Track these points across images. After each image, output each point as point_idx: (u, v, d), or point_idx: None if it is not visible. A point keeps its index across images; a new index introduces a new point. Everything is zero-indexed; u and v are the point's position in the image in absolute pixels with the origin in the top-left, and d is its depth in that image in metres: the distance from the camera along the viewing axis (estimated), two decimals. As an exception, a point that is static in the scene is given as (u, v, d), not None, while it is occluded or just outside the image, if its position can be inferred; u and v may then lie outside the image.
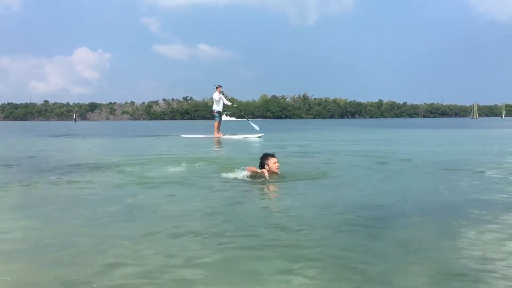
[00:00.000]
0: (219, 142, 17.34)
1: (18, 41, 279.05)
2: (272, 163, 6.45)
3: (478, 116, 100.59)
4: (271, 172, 6.42)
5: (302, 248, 3.32)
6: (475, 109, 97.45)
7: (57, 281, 2.76)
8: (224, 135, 20.32)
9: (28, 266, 3.09)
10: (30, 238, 3.81)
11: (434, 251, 3.24)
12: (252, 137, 19.74)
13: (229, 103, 21.40)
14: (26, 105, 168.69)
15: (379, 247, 3.34)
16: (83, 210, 4.84)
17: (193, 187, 6.22)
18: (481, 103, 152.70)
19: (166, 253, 3.26)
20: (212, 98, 20.84)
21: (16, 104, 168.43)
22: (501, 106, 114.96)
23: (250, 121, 23.00)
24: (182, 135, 21.79)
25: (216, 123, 20.47)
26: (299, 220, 4.15)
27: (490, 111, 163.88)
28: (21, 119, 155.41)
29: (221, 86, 20.47)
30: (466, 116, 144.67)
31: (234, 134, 21.18)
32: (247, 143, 16.89)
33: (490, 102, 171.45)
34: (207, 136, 20.10)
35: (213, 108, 20.76)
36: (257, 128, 20.94)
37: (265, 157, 6.56)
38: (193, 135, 21.57)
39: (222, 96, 20.49)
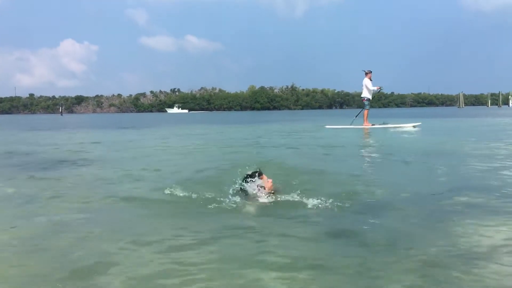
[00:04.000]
0: (370, 133, 15.87)
1: (2, 33, 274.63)
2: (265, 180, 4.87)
3: (464, 105, 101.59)
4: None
5: (287, 240, 3.30)
6: (461, 98, 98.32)
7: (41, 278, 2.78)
8: (373, 125, 18.36)
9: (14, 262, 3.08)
10: (17, 233, 3.77)
11: (419, 242, 3.22)
12: (408, 126, 17.97)
13: (376, 87, 18.77)
14: (11, 99, 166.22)
15: (364, 239, 3.32)
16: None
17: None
18: (467, 92, 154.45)
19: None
20: (362, 85, 18.56)
21: (1, 98, 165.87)
22: (487, 95, 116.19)
23: (356, 117, 19.99)
24: (327, 126, 20.04)
25: (365, 112, 18.59)
26: (284, 212, 4.11)
27: (476, 100, 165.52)
28: (6, 113, 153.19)
29: (371, 72, 18.44)
30: (452, 105, 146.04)
31: (385, 123, 19.17)
32: (401, 134, 15.08)
33: (475, 91, 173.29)
34: (356, 127, 18.36)
35: (362, 96, 18.67)
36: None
37: (253, 175, 4.82)
38: (339, 125, 19.86)
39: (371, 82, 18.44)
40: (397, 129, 17.15)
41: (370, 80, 18.30)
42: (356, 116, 19.19)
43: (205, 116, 62.31)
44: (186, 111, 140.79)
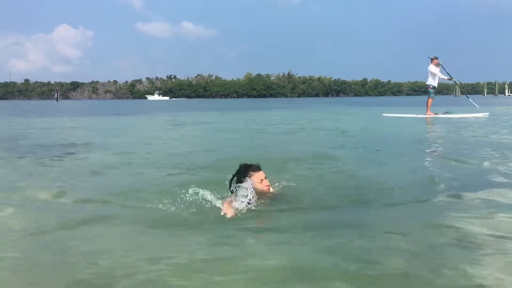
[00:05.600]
0: (432, 122, 15.06)
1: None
2: (257, 180, 3.96)
3: (460, 94, 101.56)
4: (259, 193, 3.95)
5: (284, 229, 3.31)
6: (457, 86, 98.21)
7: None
8: (436, 114, 17.58)
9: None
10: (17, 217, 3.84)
11: (415, 229, 3.26)
12: (475, 116, 16.81)
13: (446, 77, 17.91)
14: (5, 84, 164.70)
15: (361, 225, 3.36)
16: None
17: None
18: (463, 81, 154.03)
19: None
20: (427, 72, 17.63)
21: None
22: (483, 84, 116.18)
23: (469, 99, 19.33)
24: (384, 114, 19.17)
25: (429, 100, 17.67)
26: (284, 201, 4.09)
27: (472, 89, 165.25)
28: (1, 98, 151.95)
29: (437, 58, 17.45)
30: (448, 94, 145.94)
31: (448, 112, 17.94)
32: (467, 124, 13.76)
33: (472, 80, 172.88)
34: (416, 116, 17.68)
35: (427, 83, 17.73)
36: (477, 106, 18.30)
37: (245, 171, 3.99)
38: (397, 114, 18.97)
39: (438, 69, 17.56)
40: (465, 119, 16.06)
41: (438, 66, 17.55)
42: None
43: (194, 104, 60.62)
44: (166, 98, 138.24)
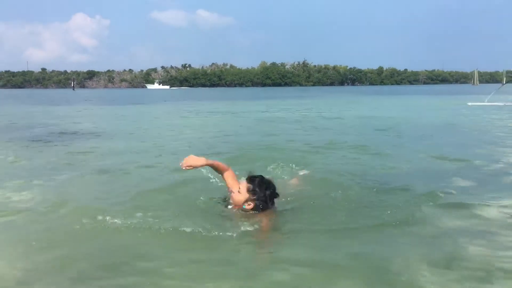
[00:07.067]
0: None
1: (13, 7, 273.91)
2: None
3: (479, 83, 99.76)
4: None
5: (298, 220, 3.33)
6: (476, 75, 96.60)
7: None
8: None
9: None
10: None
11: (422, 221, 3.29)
12: None
13: None
14: (23, 73, 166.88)
15: (369, 216, 3.39)
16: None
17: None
18: (482, 69, 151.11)
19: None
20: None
21: (14, 72, 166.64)
22: (502, 72, 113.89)
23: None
24: (469, 103, 18.89)
25: None
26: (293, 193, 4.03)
27: (490, 78, 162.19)
28: (19, 87, 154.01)
29: None
30: (466, 82, 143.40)
31: None
32: None
33: (491, 69, 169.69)
34: (505, 104, 17.22)
35: None
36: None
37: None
38: (483, 102, 18.62)
39: None
40: None
41: None
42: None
43: (196, 94, 59.51)
44: (167, 87, 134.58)
